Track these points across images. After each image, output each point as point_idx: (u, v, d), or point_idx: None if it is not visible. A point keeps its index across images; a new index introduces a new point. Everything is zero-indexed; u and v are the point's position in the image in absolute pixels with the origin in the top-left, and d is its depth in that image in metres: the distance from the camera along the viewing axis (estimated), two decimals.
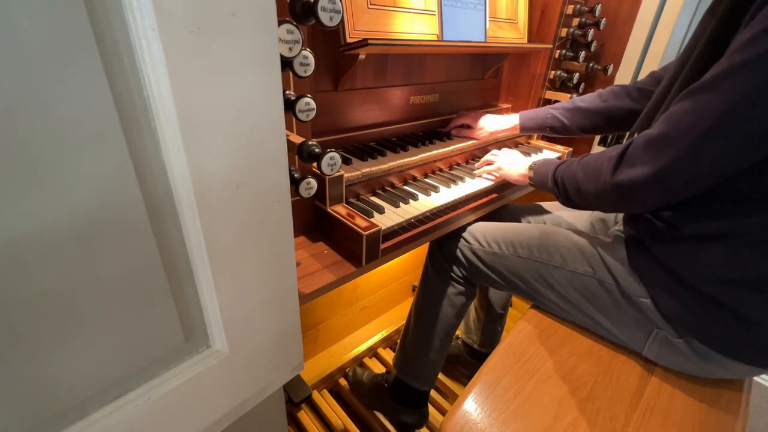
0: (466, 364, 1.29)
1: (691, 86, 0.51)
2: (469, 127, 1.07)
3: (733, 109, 0.46)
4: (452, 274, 0.93)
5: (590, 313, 0.72)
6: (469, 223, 0.92)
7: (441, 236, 0.94)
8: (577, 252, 0.74)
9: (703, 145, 0.49)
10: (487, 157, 0.98)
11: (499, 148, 1.16)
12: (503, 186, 0.97)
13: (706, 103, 0.49)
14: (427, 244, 0.99)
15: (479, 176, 0.97)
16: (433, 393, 1.22)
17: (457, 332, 1.23)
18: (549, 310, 0.79)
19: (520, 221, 1.03)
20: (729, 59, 0.47)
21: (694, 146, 0.50)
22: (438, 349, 0.99)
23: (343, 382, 1.26)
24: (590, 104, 0.94)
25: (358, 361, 1.33)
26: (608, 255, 0.71)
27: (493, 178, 0.96)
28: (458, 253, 0.91)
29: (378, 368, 1.30)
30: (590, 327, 0.74)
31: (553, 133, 1.01)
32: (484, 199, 0.91)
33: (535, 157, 1.12)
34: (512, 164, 0.90)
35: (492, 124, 1.05)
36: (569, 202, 0.73)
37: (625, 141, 0.60)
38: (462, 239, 0.90)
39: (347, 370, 1.24)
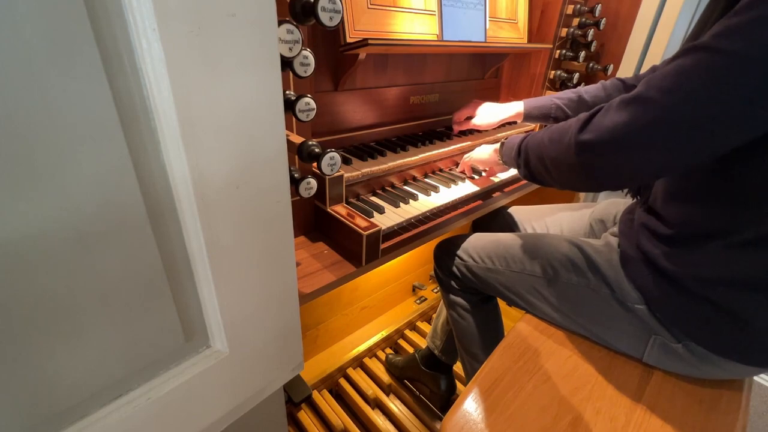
0: (418, 373, 1.20)
1: (680, 49, 0.47)
2: (471, 117, 1.04)
3: (721, 72, 0.42)
4: (457, 288, 0.93)
5: (586, 324, 0.71)
6: (464, 238, 0.92)
7: (439, 254, 0.96)
8: (568, 263, 0.73)
9: (679, 110, 0.44)
10: (464, 158, 0.96)
11: None
12: (503, 185, 0.97)
13: (693, 63, 0.44)
14: (429, 246, 0.99)
15: (467, 178, 0.97)
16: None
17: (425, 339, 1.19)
18: (546, 321, 0.78)
19: (519, 224, 1.02)
20: (725, 21, 0.43)
21: (670, 110, 0.45)
22: None
23: (343, 382, 1.26)
24: (595, 97, 0.91)
25: (359, 361, 1.33)
26: (602, 262, 0.70)
27: (475, 178, 0.95)
28: (455, 270, 0.91)
29: (379, 368, 1.30)
30: (588, 337, 0.73)
31: (557, 123, 0.98)
32: (492, 196, 0.92)
33: None
34: (481, 149, 0.89)
35: (494, 112, 1.01)
36: (531, 174, 0.67)
37: None
38: (456, 257, 0.90)
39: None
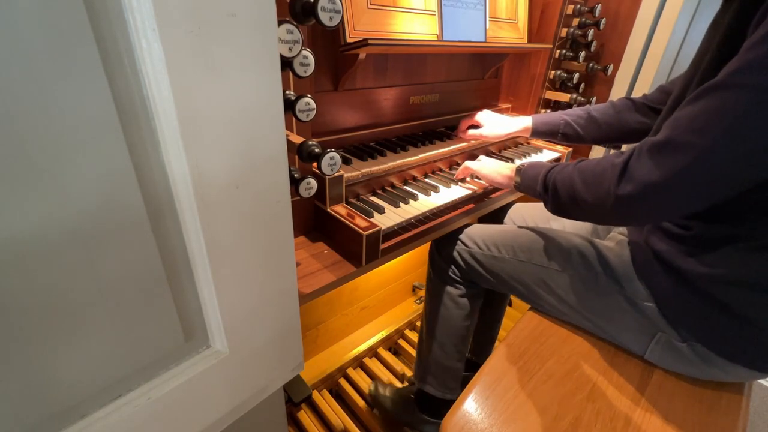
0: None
1: (700, 88, 0.47)
2: (478, 127, 1.04)
3: (751, 107, 0.42)
4: (453, 276, 0.93)
5: (592, 318, 0.71)
6: (467, 225, 0.91)
7: (440, 239, 0.93)
8: (578, 255, 0.73)
9: (717, 149, 0.45)
10: (466, 164, 0.92)
11: (498, 150, 1.16)
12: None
13: (720, 102, 0.44)
14: (428, 246, 0.99)
15: (458, 182, 0.93)
16: None
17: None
18: (549, 313, 0.78)
19: (522, 222, 1.02)
20: (744, 55, 0.43)
21: (708, 150, 0.45)
22: (454, 355, 0.97)
23: (343, 382, 1.26)
24: (604, 115, 0.91)
25: (359, 361, 1.33)
26: (612, 258, 0.69)
27: (474, 188, 0.91)
28: (456, 255, 0.90)
29: (378, 368, 1.30)
30: (591, 330, 0.73)
31: (565, 140, 0.98)
32: (485, 199, 0.91)
33: (528, 160, 1.11)
34: (495, 167, 0.85)
35: (503, 125, 1.01)
36: (559, 209, 0.67)
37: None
38: (459, 242, 0.89)
39: (369, 388, 1.20)
